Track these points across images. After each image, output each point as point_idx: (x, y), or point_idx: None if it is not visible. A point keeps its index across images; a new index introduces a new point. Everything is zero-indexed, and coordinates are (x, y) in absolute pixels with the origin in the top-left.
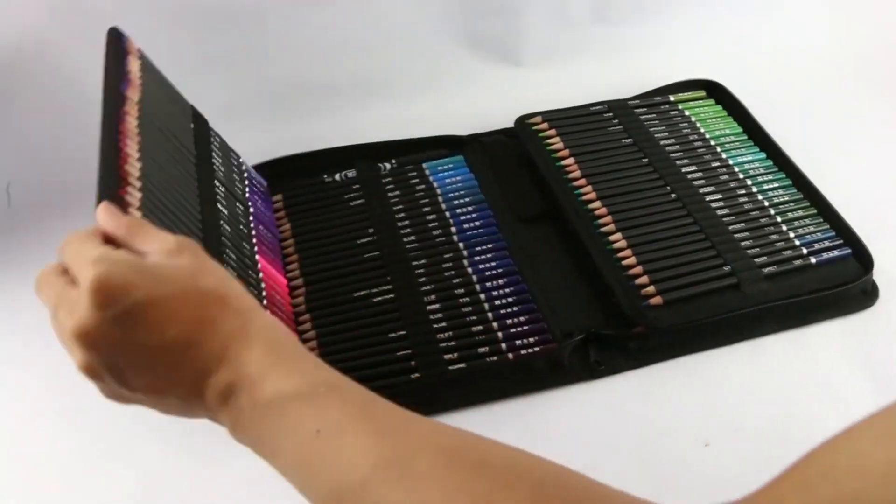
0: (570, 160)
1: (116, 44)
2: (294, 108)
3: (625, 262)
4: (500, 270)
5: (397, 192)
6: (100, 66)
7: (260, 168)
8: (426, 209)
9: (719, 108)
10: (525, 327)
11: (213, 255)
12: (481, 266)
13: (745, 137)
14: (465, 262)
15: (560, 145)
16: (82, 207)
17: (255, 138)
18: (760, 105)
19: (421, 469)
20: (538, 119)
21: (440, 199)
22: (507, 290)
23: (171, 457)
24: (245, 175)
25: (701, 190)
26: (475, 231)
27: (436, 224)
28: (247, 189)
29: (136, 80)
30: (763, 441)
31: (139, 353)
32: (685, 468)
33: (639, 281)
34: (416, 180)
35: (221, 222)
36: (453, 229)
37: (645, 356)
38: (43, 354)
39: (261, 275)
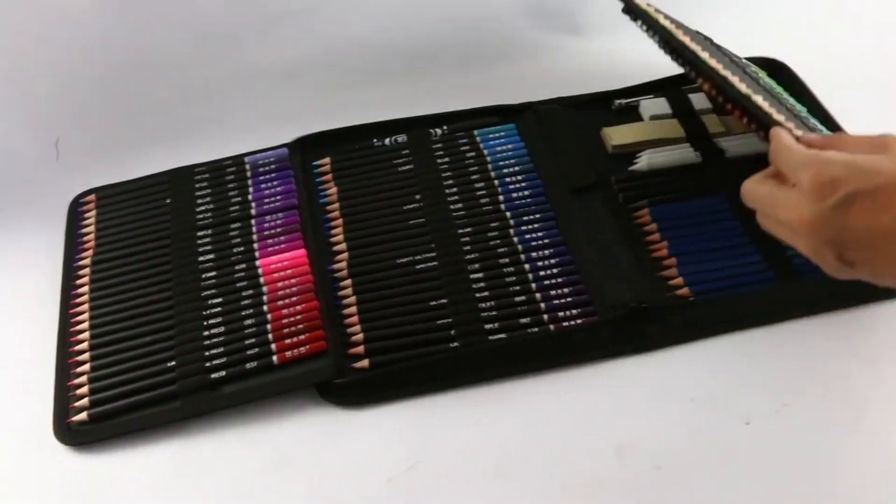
0: None
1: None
2: (346, 75)
3: None
4: (546, 241)
5: (447, 159)
6: None
7: (313, 138)
8: (475, 177)
9: None
10: (569, 299)
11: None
12: (527, 236)
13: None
14: (512, 231)
15: None
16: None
17: (305, 102)
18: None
19: None
20: None
21: (490, 166)
22: (552, 262)
23: None
24: (248, 179)
25: None
26: (523, 200)
27: (484, 192)
28: (250, 190)
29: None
30: (805, 423)
31: (855, 236)
32: (726, 446)
33: None
34: (467, 147)
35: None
36: (501, 198)
37: (689, 332)
38: None
39: (262, 279)
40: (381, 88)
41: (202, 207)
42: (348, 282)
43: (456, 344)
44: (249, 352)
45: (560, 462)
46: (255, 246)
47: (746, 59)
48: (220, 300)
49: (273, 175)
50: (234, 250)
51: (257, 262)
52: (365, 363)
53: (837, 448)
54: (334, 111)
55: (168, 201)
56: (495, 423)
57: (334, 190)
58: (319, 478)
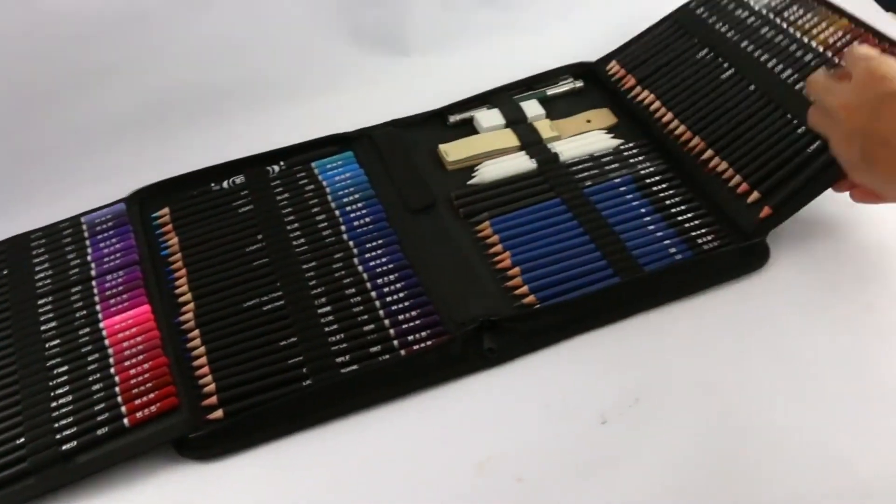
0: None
1: None
2: (177, 119)
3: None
4: (391, 266)
5: (287, 195)
6: None
7: (147, 190)
8: (315, 209)
9: None
10: (417, 322)
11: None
12: (372, 263)
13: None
14: (356, 259)
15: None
16: None
17: (136, 154)
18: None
19: None
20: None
21: (329, 197)
22: (398, 286)
23: None
24: (85, 240)
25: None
26: (365, 228)
27: (325, 224)
28: (89, 251)
29: None
30: (660, 415)
31: (884, 132)
32: (583, 448)
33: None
34: (306, 181)
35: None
36: (343, 227)
37: (537, 339)
38: None
39: (107, 342)
40: (214, 130)
41: (41, 274)
42: (196, 332)
43: (309, 381)
44: (99, 417)
45: (422, 484)
46: (98, 308)
47: (571, 65)
48: (65, 368)
49: (111, 232)
50: (77, 314)
51: (101, 325)
52: (219, 413)
53: (693, 436)
54: (169, 159)
55: (5, 272)
56: (355, 453)
57: (175, 240)
58: None
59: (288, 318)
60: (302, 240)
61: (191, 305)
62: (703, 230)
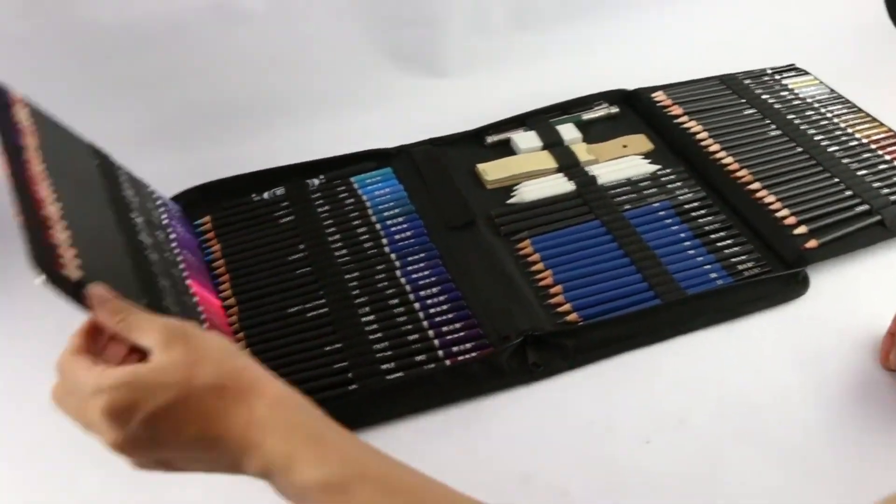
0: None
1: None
2: (218, 131)
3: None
4: (433, 279)
5: (327, 208)
6: None
7: (187, 193)
8: (356, 222)
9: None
10: (461, 333)
11: (145, 284)
12: (414, 276)
13: None
14: (398, 272)
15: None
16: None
17: (178, 163)
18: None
19: None
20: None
21: (370, 211)
22: (441, 298)
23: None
24: (159, 203)
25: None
26: (406, 241)
27: (367, 237)
28: (163, 216)
29: (27, 127)
30: (703, 435)
31: (175, 448)
32: (628, 466)
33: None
34: (346, 195)
35: (147, 252)
36: (384, 241)
37: (582, 356)
38: None
39: (196, 298)
40: (254, 141)
41: None
42: (240, 335)
43: (355, 386)
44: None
45: (468, 493)
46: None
47: (606, 92)
48: None
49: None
50: None
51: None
52: None
53: (737, 458)
54: (208, 168)
55: None
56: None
57: (218, 247)
58: None
59: (332, 325)
60: (344, 251)
61: (234, 309)
62: (743, 257)
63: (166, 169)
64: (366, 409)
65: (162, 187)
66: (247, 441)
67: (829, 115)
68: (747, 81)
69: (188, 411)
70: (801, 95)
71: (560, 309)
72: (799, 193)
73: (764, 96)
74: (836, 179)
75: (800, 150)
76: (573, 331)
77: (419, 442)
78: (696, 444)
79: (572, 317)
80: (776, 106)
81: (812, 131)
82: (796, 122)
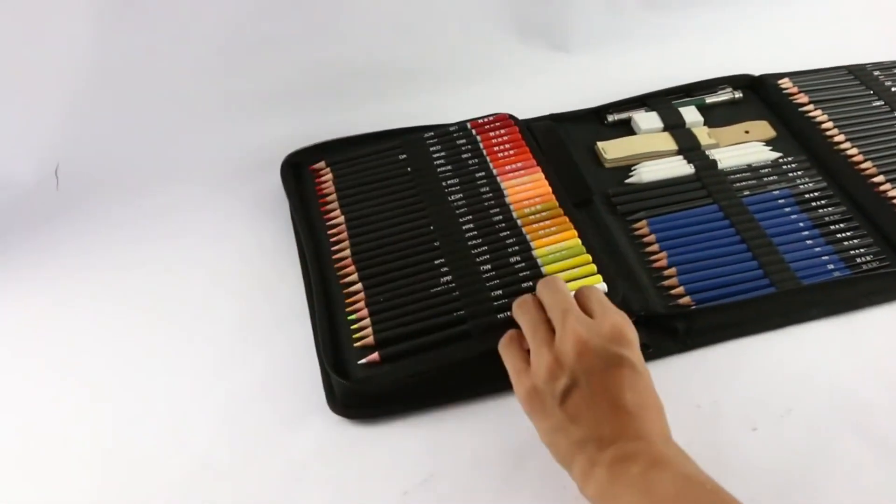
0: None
1: None
2: (342, 95)
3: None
4: None
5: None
6: None
7: (309, 150)
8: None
9: None
10: None
11: None
12: None
13: None
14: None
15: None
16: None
17: (303, 123)
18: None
19: None
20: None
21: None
22: None
23: None
24: None
25: None
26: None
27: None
28: None
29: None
30: (810, 426)
31: (599, 387)
32: (733, 452)
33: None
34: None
35: None
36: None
37: (692, 339)
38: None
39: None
40: (376, 106)
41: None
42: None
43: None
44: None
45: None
46: None
47: (731, 76)
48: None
49: None
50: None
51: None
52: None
53: (842, 451)
54: (326, 131)
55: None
56: (505, 433)
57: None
58: (333, 493)
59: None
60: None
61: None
62: (862, 249)
63: (294, 128)
64: (474, 377)
65: (284, 147)
66: (650, 435)
67: None
68: (877, 73)
69: (643, 387)
70: None
71: (673, 291)
72: None
73: (894, 89)
74: None
75: None
76: (685, 314)
77: (523, 416)
78: (802, 435)
79: (685, 300)
80: None
81: None
82: None
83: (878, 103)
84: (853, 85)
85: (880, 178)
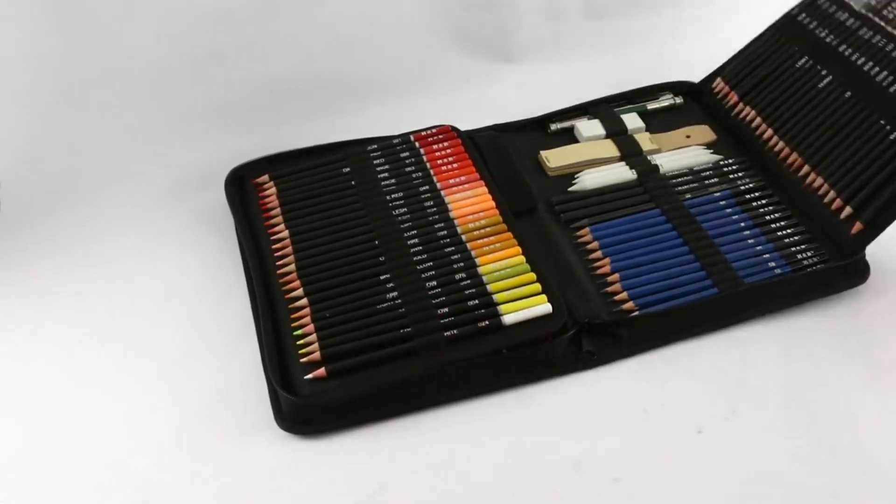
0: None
1: None
2: (286, 109)
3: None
4: None
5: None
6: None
7: (253, 165)
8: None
9: None
10: None
11: None
12: None
13: None
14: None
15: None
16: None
17: (245, 139)
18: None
19: None
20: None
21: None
22: None
23: None
24: None
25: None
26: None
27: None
28: None
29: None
30: (755, 427)
31: None
32: (679, 455)
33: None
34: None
35: None
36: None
37: (636, 345)
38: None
39: None
40: (317, 121)
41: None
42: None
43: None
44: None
45: (521, 479)
46: None
47: (671, 83)
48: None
49: None
50: None
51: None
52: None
53: (789, 452)
54: (270, 144)
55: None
56: (453, 444)
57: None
58: None
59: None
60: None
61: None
62: (802, 246)
63: (236, 144)
64: (425, 390)
65: (227, 162)
66: None
67: (882, 23)
68: (801, 17)
69: None
70: (856, 8)
71: (617, 298)
72: (844, 162)
73: (817, 31)
74: (882, 122)
75: (848, 94)
76: (627, 320)
77: (471, 426)
78: (747, 436)
79: (628, 305)
80: (827, 39)
81: (861, 60)
82: (846, 52)
83: (801, 62)
84: (780, 48)
85: (806, 170)
